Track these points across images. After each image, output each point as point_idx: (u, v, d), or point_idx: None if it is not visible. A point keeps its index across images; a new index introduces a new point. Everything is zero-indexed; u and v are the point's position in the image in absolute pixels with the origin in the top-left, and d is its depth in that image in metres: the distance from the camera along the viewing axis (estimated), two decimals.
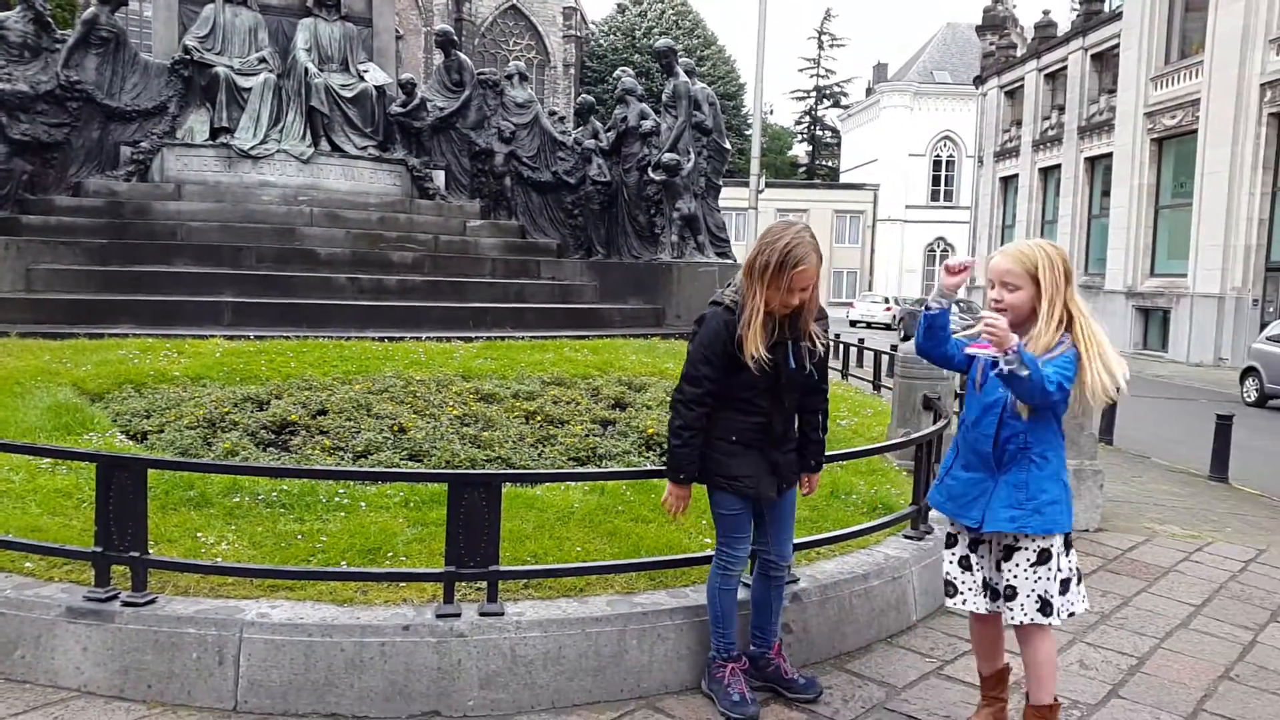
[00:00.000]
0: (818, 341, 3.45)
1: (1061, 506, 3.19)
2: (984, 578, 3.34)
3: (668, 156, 12.75)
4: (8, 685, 3.55)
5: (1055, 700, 3.27)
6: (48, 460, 4.74)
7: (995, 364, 3.01)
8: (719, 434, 3.44)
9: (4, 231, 10.46)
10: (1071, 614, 3.29)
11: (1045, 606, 3.19)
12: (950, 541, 3.43)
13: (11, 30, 11.49)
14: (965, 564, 3.38)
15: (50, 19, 12.02)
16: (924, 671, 4.08)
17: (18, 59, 11.47)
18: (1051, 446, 3.22)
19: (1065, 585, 3.24)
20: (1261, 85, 23.55)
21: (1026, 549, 3.21)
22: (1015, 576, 3.22)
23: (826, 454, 3.80)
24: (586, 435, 6.03)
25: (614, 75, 15.27)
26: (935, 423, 5.58)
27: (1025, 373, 2.92)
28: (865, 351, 15.28)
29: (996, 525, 3.18)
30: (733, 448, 3.42)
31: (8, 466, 4.76)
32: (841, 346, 15.55)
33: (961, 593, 3.37)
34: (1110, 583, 5.54)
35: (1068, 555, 3.27)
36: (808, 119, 73.29)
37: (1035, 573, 3.20)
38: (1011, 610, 3.22)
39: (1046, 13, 36.85)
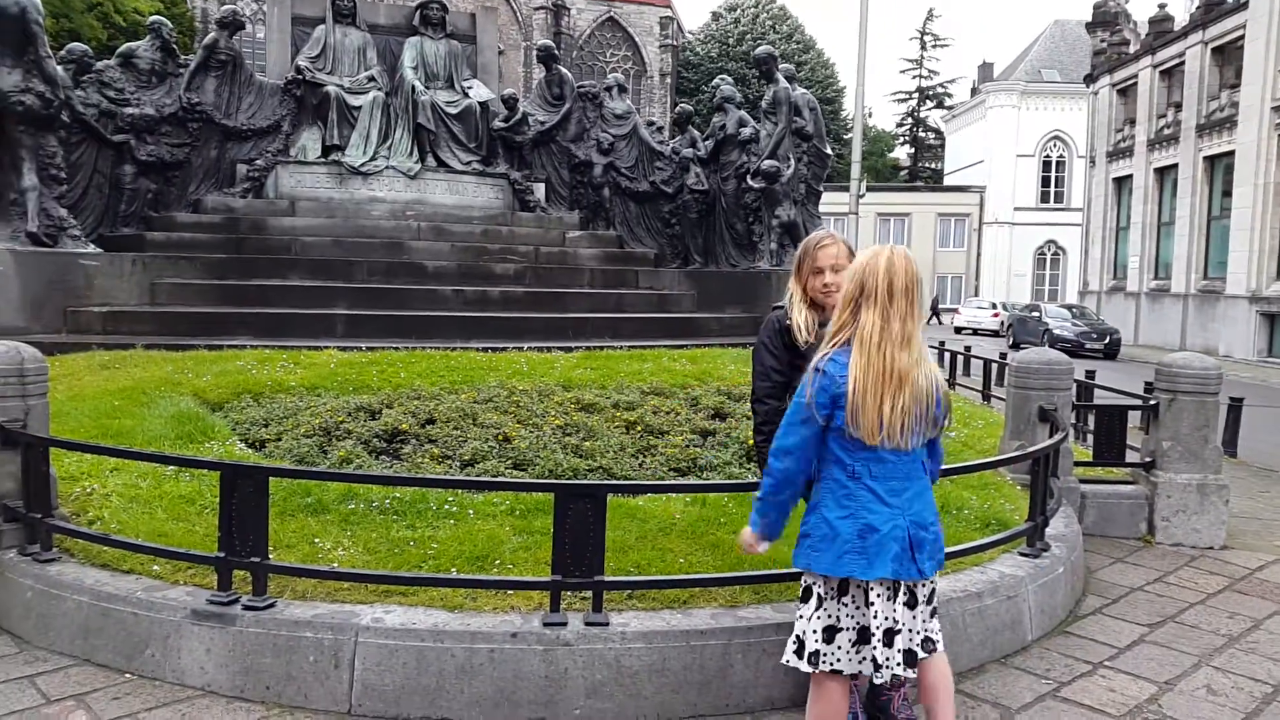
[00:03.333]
0: None
1: (812, 542, 2.94)
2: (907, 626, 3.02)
3: (767, 163, 12.67)
4: (140, 681, 3.72)
5: None
6: (172, 467, 4.95)
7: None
8: None
9: (131, 247, 11.01)
10: (838, 669, 2.97)
11: (799, 647, 3.01)
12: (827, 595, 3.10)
13: (141, 58, 12.10)
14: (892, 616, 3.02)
15: (175, 45, 12.62)
16: (1040, 694, 3.95)
17: (146, 84, 12.08)
18: (822, 479, 2.98)
19: (830, 633, 2.97)
20: None
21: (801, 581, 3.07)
22: (921, 615, 3.00)
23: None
24: (687, 446, 6.03)
25: (711, 83, 15.28)
26: (1052, 435, 5.39)
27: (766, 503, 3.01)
28: (973, 360, 14.88)
29: (931, 572, 3.00)
30: None
31: (136, 473, 4.99)
32: (948, 354, 15.18)
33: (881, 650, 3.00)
34: (1238, 604, 5.26)
35: (841, 602, 2.98)
36: (910, 121, 71.91)
37: (797, 609, 3.07)
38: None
39: (1163, 6, 35.36)
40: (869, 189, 29.65)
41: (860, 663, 2.97)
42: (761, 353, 3.65)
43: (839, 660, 2.97)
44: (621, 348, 10.03)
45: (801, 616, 3.02)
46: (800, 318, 3.58)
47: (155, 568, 4.09)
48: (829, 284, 3.55)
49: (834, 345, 2.92)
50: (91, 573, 4.10)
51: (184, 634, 3.73)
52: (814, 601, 2.99)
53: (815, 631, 2.97)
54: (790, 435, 2.93)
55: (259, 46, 31.05)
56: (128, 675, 3.76)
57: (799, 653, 3.00)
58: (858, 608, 2.96)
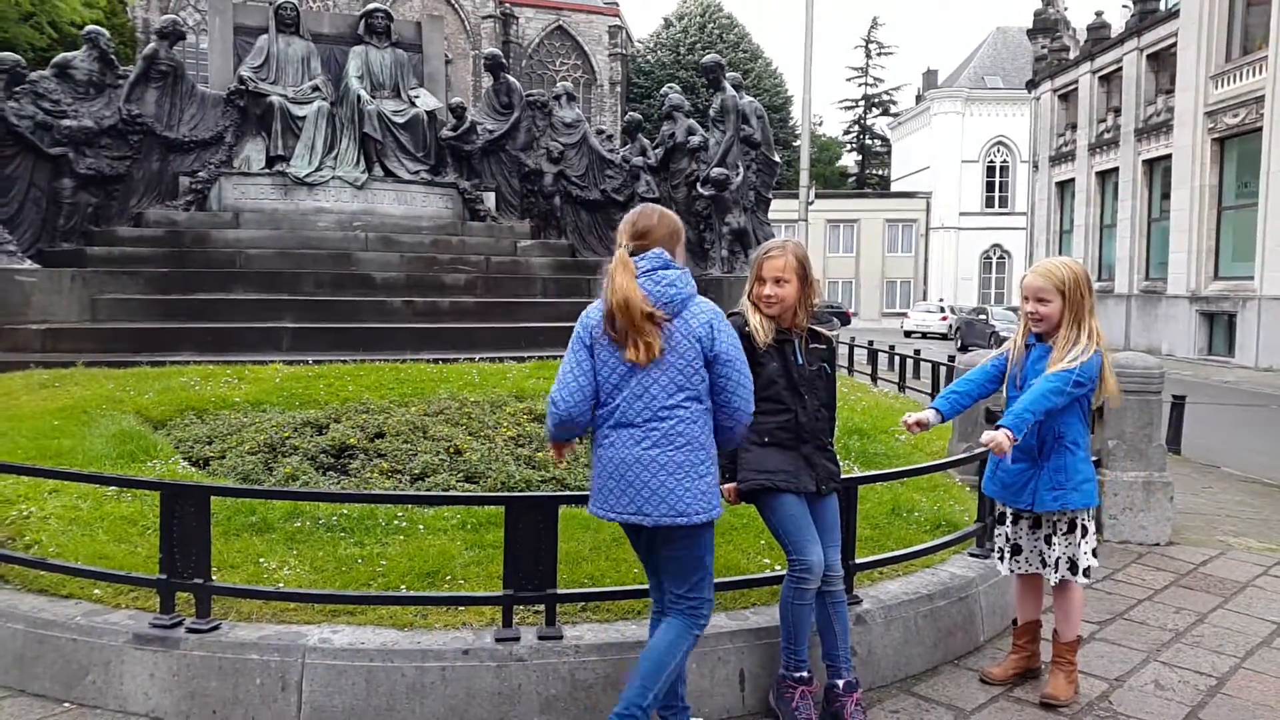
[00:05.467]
0: (823, 335, 3.67)
1: (1092, 485, 3.87)
2: (1028, 546, 4.03)
3: (716, 171, 12.72)
4: (80, 710, 3.61)
5: (1077, 637, 3.99)
6: (113, 488, 4.82)
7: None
8: (752, 437, 3.53)
9: (70, 263, 10.75)
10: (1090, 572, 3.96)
11: (1073, 566, 3.89)
12: (1002, 519, 4.11)
13: (78, 69, 11.82)
14: (1010, 537, 4.07)
15: (114, 56, 12.36)
16: (993, 694, 3.98)
17: (83, 96, 11.80)
18: (1081, 434, 3.85)
19: (1094, 552, 3.94)
20: None
21: (1061, 521, 3.89)
22: (1056, 544, 3.90)
23: (887, 470, 3.79)
24: None
25: (660, 92, 15.29)
26: None
27: (1031, 424, 3.66)
28: (922, 363, 15.06)
29: (1044, 506, 3.83)
30: (765, 449, 3.53)
31: (76, 494, 4.86)
32: (898, 358, 15.35)
33: (1014, 559, 4.07)
34: (1184, 599, 5.36)
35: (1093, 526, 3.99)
36: (857, 128, 72.78)
37: (1067, 540, 3.89)
38: (1049, 572, 3.92)
39: (1099, 14, 36.16)
40: (818, 196, 29.90)
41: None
42: None
43: (1016, 566, 4.10)
44: None
45: (1074, 544, 3.92)
46: (757, 321, 3.56)
47: (96, 591, 3.98)
48: (769, 296, 3.56)
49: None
50: (28, 599, 3.97)
51: (126, 659, 3.63)
52: (1080, 530, 3.92)
53: (1089, 549, 3.94)
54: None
55: (201, 57, 30.59)
56: (66, 705, 3.64)
57: (1073, 569, 3.92)
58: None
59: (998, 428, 3.58)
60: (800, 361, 3.57)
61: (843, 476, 3.80)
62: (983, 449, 4.22)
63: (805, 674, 3.56)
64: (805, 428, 3.55)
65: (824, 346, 3.66)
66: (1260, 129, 24.92)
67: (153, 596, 3.80)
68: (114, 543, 4.33)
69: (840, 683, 3.58)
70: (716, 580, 4.01)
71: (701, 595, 3.24)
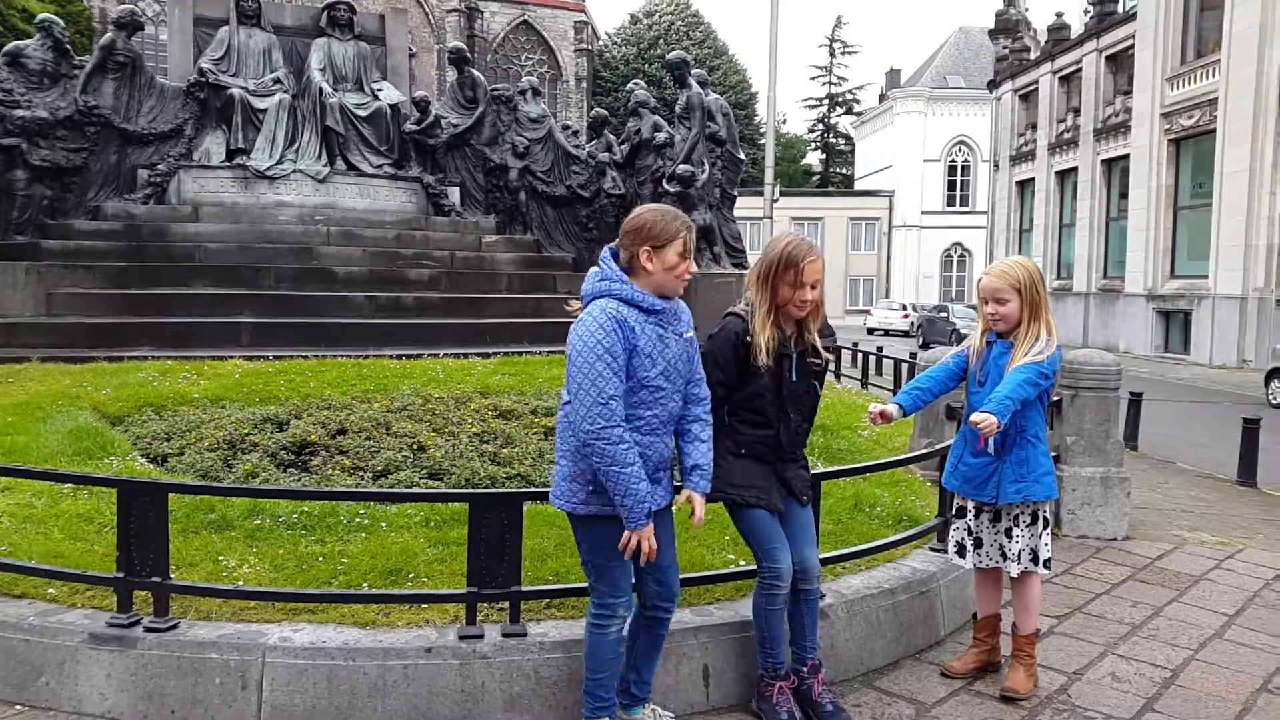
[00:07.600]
0: (821, 353, 3.55)
1: (1052, 477, 3.96)
2: (989, 540, 4.06)
3: (682, 168, 12.72)
4: (33, 713, 3.54)
5: (1036, 630, 4.04)
6: (69, 485, 4.74)
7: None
8: (729, 446, 3.50)
9: (25, 256, 10.54)
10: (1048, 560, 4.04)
11: (1035, 557, 3.96)
12: (960, 513, 4.15)
13: (31, 58, 11.59)
14: (973, 530, 4.10)
15: (69, 46, 12.12)
16: (954, 688, 4.02)
17: (37, 86, 11.56)
18: (1041, 428, 3.97)
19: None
20: None
21: (1024, 514, 3.95)
22: (1018, 536, 3.95)
23: (850, 466, 3.80)
24: None
25: (626, 88, 15.26)
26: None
27: (1011, 411, 3.65)
28: (884, 360, 15.18)
29: (1008, 498, 3.89)
30: (741, 460, 3.49)
31: (30, 492, 4.77)
32: (860, 355, 15.46)
33: (976, 552, 4.09)
34: (1140, 592, 5.45)
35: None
36: (821, 127, 73.17)
37: (1030, 531, 3.96)
38: (1009, 565, 3.98)
39: (1059, 15, 36.65)
40: (782, 193, 30.03)
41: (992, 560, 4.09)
42: (708, 364, 3.42)
43: (979, 560, 4.12)
44: (541, 353, 9.97)
45: (1036, 535, 4.00)
46: (764, 338, 3.39)
47: (51, 591, 3.90)
48: (809, 300, 3.42)
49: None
50: None
51: (81, 659, 3.57)
52: (1041, 522, 3.99)
53: (1046, 540, 4.00)
54: None
55: (161, 48, 30.08)
56: (18, 707, 3.57)
57: (1034, 560, 4.00)
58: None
59: (983, 413, 3.57)
60: (795, 379, 3.47)
61: None
62: (944, 445, 4.26)
63: (783, 671, 3.59)
64: (784, 446, 3.52)
65: (819, 363, 3.55)
66: (1214, 130, 25.39)
67: (110, 595, 3.73)
68: (70, 541, 4.25)
69: (805, 666, 3.61)
70: (680, 576, 4.03)
71: (592, 597, 3.30)
